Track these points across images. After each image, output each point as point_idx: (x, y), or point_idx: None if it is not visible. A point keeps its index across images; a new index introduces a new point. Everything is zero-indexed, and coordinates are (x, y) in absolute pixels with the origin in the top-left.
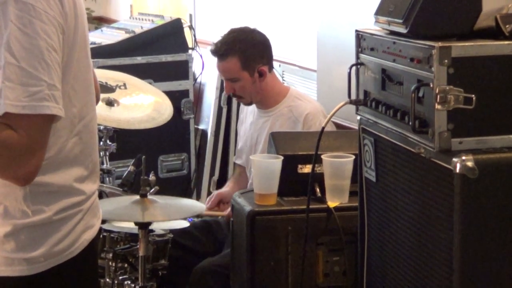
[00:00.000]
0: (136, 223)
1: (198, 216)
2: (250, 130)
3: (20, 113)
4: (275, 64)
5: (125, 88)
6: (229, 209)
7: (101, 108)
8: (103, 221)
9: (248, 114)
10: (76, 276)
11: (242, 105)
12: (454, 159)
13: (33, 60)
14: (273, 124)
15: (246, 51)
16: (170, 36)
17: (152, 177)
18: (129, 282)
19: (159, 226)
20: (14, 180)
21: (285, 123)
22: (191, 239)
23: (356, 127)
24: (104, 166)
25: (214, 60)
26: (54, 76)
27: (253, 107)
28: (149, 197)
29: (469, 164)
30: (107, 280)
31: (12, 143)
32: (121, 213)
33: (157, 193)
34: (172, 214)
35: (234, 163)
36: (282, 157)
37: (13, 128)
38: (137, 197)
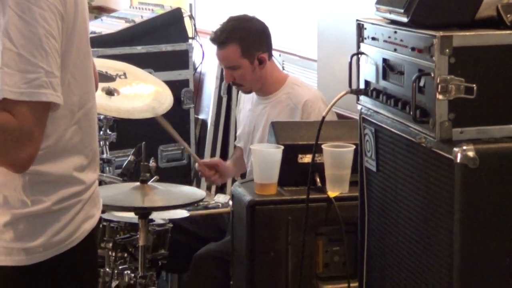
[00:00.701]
0: (136, 213)
1: (197, 204)
2: (249, 117)
3: (18, 99)
4: (275, 53)
5: (125, 77)
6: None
7: (101, 98)
8: (103, 209)
9: (247, 101)
10: (75, 266)
11: (241, 92)
12: (455, 149)
13: (32, 47)
14: (271, 111)
15: (245, 39)
16: (170, 25)
17: (152, 163)
18: (129, 271)
19: (159, 216)
20: (10, 166)
21: (284, 110)
22: (192, 223)
23: (357, 117)
24: (104, 155)
25: (214, 49)
26: (52, 63)
27: (252, 94)
28: (149, 184)
29: (470, 154)
30: (107, 269)
31: (9, 127)
32: (121, 199)
33: (156, 181)
34: (172, 200)
35: (235, 146)
36: (282, 147)
37: (12, 114)
38: (137, 183)
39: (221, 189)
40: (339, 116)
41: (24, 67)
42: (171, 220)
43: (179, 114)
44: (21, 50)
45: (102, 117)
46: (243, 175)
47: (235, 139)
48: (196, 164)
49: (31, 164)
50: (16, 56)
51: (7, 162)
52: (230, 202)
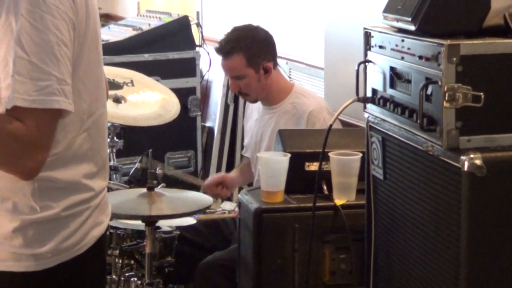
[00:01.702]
0: (143, 220)
1: (204, 211)
2: (255, 126)
3: (29, 107)
4: (282, 61)
5: (132, 85)
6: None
7: (108, 105)
8: (110, 218)
9: (254, 111)
10: (84, 272)
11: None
12: (462, 157)
13: (43, 55)
14: (278, 121)
15: (250, 48)
16: (178, 33)
17: (159, 170)
18: (135, 279)
19: (166, 223)
20: (18, 174)
21: (290, 119)
22: (197, 234)
23: (363, 125)
24: (111, 163)
25: (220, 60)
26: (64, 71)
27: (258, 104)
28: (156, 190)
29: (477, 162)
30: (114, 277)
31: (20, 135)
32: (127, 207)
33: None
34: (179, 208)
35: (242, 156)
36: (289, 155)
37: (22, 121)
38: (144, 190)
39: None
40: (346, 124)
41: (36, 75)
42: (178, 228)
43: (186, 122)
44: (33, 58)
45: (109, 124)
46: (250, 184)
47: (242, 147)
48: (202, 188)
49: (39, 172)
50: (28, 64)
51: (16, 170)
52: (237, 210)
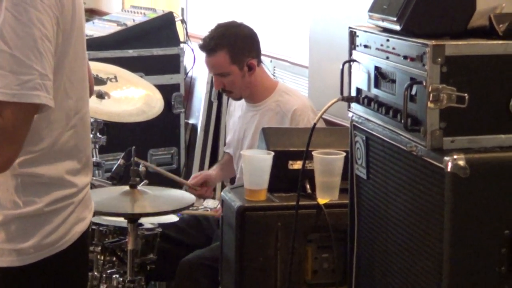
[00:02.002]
0: (125, 217)
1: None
2: (238, 124)
3: (9, 101)
4: (266, 59)
5: (116, 81)
6: (218, 208)
7: (91, 101)
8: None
9: (237, 108)
10: (66, 268)
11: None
12: (446, 158)
13: (26, 49)
14: (261, 119)
15: (234, 45)
16: (162, 29)
17: (142, 168)
18: (117, 275)
19: (148, 220)
20: None
21: (273, 118)
22: (179, 232)
23: (347, 124)
24: (94, 159)
25: (204, 55)
26: (46, 66)
27: (241, 101)
28: (139, 188)
29: (461, 163)
30: (95, 273)
31: None
32: (110, 205)
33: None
34: (162, 206)
35: (224, 152)
36: (273, 153)
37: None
38: (127, 188)
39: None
40: (330, 123)
41: (18, 69)
42: (160, 225)
43: (169, 119)
44: (15, 52)
45: (92, 120)
46: (232, 180)
47: (225, 144)
48: (184, 187)
49: (9, 166)
50: (10, 57)
51: None
52: (219, 207)
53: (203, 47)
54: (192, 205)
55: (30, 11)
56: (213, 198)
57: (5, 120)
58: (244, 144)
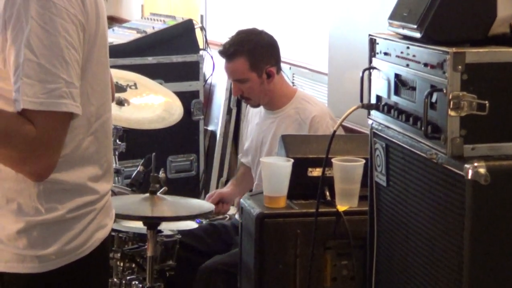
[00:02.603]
0: (144, 223)
1: (206, 216)
2: (256, 131)
3: (37, 109)
4: (285, 66)
5: (136, 88)
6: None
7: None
8: None
9: (255, 115)
10: (87, 274)
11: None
12: (466, 165)
13: (52, 58)
14: (279, 126)
15: (254, 52)
16: (181, 36)
17: (162, 174)
18: (136, 282)
19: (168, 227)
20: (29, 175)
21: (291, 125)
22: (197, 240)
23: (366, 131)
24: (114, 165)
25: (224, 61)
26: (72, 74)
27: (260, 108)
28: (158, 195)
29: (481, 170)
30: (115, 280)
31: (30, 137)
32: (130, 209)
33: (165, 193)
34: (181, 212)
35: (240, 162)
36: (292, 160)
37: (33, 123)
38: (147, 194)
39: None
40: (350, 130)
41: (44, 77)
42: (179, 232)
43: (188, 125)
44: (42, 60)
45: (112, 127)
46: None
47: (241, 153)
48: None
49: (49, 174)
50: (37, 66)
51: (26, 171)
52: (237, 216)
53: (222, 53)
54: (211, 212)
55: (55, 20)
56: (232, 205)
57: (38, 129)
58: (262, 151)
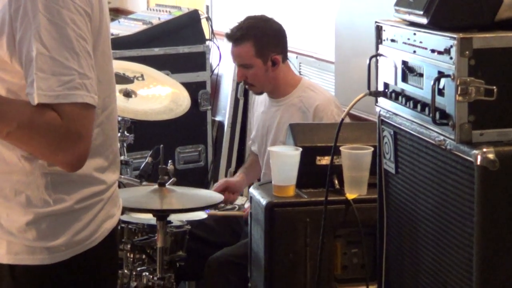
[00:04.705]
0: (154, 214)
1: (215, 207)
2: (262, 119)
3: (53, 102)
4: (292, 56)
5: (143, 79)
6: (246, 208)
7: (118, 100)
8: (122, 211)
9: (260, 104)
10: (97, 265)
11: (254, 95)
12: (475, 151)
13: (63, 50)
14: (283, 114)
15: (261, 38)
16: (188, 27)
17: (170, 166)
18: (147, 273)
19: (177, 218)
20: (63, 165)
21: (295, 113)
22: (207, 230)
23: (374, 119)
24: (122, 157)
25: (230, 45)
26: (84, 65)
27: (264, 96)
28: (167, 186)
29: (490, 156)
30: (125, 271)
31: (56, 125)
32: (139, 201)
33: (174, 184)
34: (190, 203)
35: (250, 151)
36: (301, 149)
37: (59, 114)
38: (155, 186)
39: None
40: (358, 118)
41: (58, 70)
42: (189, 222)
43: (196, 116)
44: (54, 54)
45: (120, 118)
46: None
47: (250, 140)
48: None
49: (83, 163)
50: (49, 60)
51: (59, 161)
52: (247, 205)
53: (229, 37)
54: (220, 203)
55: (62, 12)
56: (241, 195)
57: (64, 120)
58: (268, 140)
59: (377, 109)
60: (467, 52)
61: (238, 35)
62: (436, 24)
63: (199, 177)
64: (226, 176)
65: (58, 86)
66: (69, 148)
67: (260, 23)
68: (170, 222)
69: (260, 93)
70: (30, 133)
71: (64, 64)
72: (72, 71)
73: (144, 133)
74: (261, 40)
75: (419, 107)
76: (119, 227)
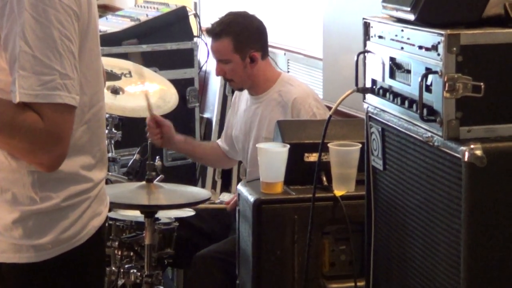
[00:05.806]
0: (141, 211)
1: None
2: (244, 117)
3: (33, 101)
4: (280, 52)
5: (130, 76)
6: (228, 200)
7: (106, 96)
8: (109, 208)
9: (242, 102)
10: (84, 263)
11: (236, 92)
12: (463, 148)
13: (46, 49)
14: (264, 110)
15: (240, 34)
16: (175, 24)
17: (158, 162)
18: (135, 270)
19: (165, 215)
20: (40, 166)
21: (275, 108)
22: (199, 220)
23: (362, 115)
24: (109, 154)
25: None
26: (66, 65)
27: (246, 95)
28: (155, 183)
29: (478, 152)
30: (113, 268)
31: (36, 128)
32: (126, 197)
33: (162, 181)
34: (177, 200)
35: (217, 142)
36: (288, 146)
37: (39, 115)
38: (143, 182)
39: (226, 188)
40: (345, 114)
41: (39, 69)
42: (177, 218)
43: (184, 113)
44: (36, 52)
45: (107, 115)
46: (227, 171)
47: (221, 137)
48: (148, 118)
49: (61, 164)
50: (32, 58)
51: (37, 162)
52: (230, 199)
53: (209, 32)
54: (208, 199)
55: (48, 11)
56: (229, 192)
57: (45, 120)
58: (251, 137)
59: (365, 105)
60: (454, 49)
61: (217, 30)
62: (423, 20)
63: (187, 174)
64: (214, 173)
65: (38, 85)
66: (48, 149)
67: (240, 19)
68: (158, 219)
69: (241, 89)
70: (11, 133)
71: (46, 63)
72: (53, 71)
73: (132, 130)
74: (240, 36)
75: (406, 103)
76: (106, 224)
